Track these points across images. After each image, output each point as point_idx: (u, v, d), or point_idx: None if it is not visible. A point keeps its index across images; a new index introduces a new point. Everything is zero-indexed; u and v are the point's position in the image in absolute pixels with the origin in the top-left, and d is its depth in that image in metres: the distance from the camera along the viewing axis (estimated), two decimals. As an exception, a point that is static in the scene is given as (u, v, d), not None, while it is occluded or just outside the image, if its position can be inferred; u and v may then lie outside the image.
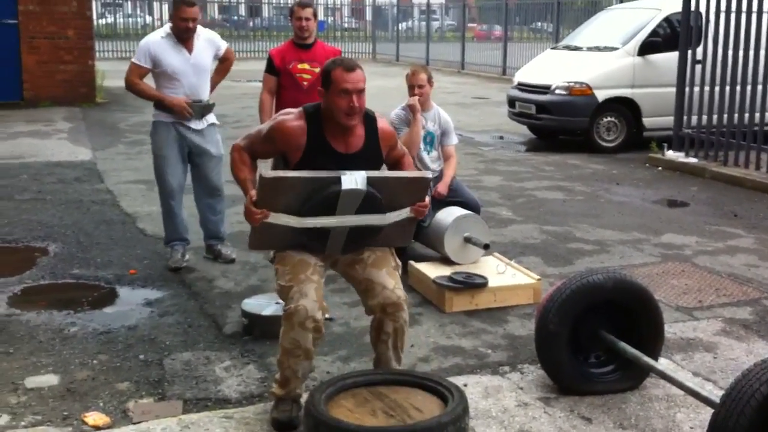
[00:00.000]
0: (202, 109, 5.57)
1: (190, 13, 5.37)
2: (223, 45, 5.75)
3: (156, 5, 32.39)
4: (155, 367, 4.08)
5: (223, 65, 5.84)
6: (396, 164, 3.69)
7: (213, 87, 5.79)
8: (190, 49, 5.50)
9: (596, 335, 3.81)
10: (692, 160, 9.58)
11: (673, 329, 4.57)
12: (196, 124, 5.59)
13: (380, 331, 3.51)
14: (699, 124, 9.66)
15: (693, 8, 9.76)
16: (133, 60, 5.58)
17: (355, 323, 4.64)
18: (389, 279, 3.46)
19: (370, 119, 3.51)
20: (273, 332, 3.88)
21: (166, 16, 31.80)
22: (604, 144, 10.80)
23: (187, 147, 5.61)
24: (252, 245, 3.53)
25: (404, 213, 3.48)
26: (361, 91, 3.36)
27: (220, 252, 5.89)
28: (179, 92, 5.49)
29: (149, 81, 5.61)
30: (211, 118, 5.69)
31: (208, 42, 5.62)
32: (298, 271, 3.38)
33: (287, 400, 3.45)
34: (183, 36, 5.45)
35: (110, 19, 33.38)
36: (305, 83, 5.71)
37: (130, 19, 33.47)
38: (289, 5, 27.13)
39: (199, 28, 5.59)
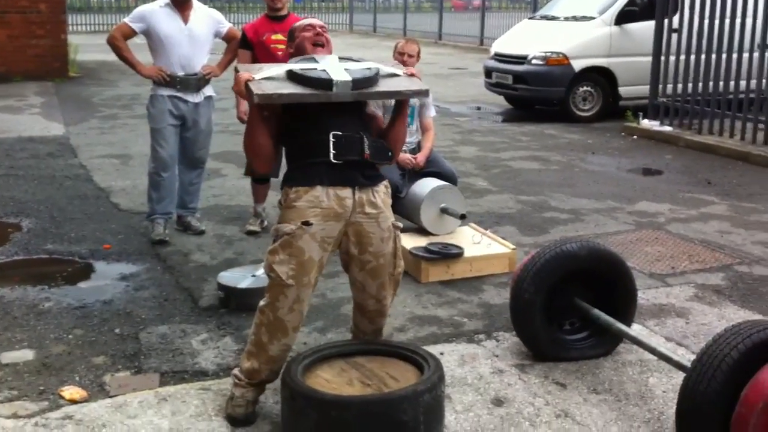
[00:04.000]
0: (198, 82, 5.57)
1: None
2: (226, 24, 5.75)
3: (129, -22, 31.91)
4: (131, 341, 4.07)
5: (230, 45, 5.81)
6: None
7: (224, 66, 5.77)
8: (185, 20, 5.50)
9: (570, 303, 3.84)
10: (667, 128, 9.63)
11: (646, 296, 4.62)
12: (192, 97, 5.60)
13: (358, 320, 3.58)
14: (674, 93, 9.70)
15: (668, -24, 9.77)
16: (124, 19, 5.67)
17: (332, 294, 4.65)
18: (381, 291, 3.40)
19: None
20: (249, 305, 3.88)
21: (139, -12, 31.44)
22: (581, 114, 10.84)
23: (181, 119, 5.60)
24: (259, 98, 3.11)
25: (397, 70, 3.43)
26: (323, 27, 3.53)
27: (190, 223, 5.90)
28: (173, 61, 5.49)
29: (147, 56, 5.64)
30: (207, 90, 5.70)
31: (207, 17, 5.62)
32: (303, 272, 3.18)
33: (248, 389, 3.29)
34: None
35: (83, -8, 32.90)
36: (280, 53, 5.68)
37: (103, -8, 32.98)
38: (264, -24, 26.38)
39: (199, 3, 5.67)
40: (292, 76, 3.20)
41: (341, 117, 3.27)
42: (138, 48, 5.56)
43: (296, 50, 3.53)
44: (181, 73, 5.52)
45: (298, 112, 3.28)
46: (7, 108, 11.55)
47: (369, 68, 3.30)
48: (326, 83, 3.14)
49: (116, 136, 9.50)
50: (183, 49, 5.50)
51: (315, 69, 3.21)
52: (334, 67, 3.25)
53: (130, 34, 5.56)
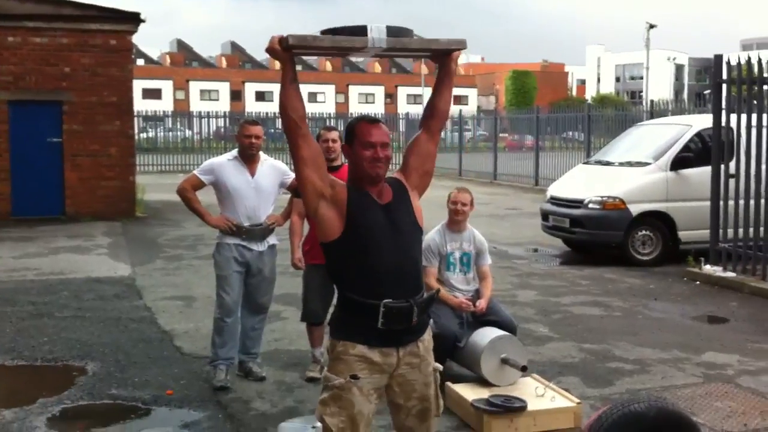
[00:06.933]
0: (263, 232, 5.75)
1: (252, 131, 5.71)
2: (291, 175, 5.93)
3: (196, 120, 33.44)
4: (191, 495, 4.05)
5: (294, 196, 5.99)
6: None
7: (287, 215, 5.96)
8: (252, 172, 5.73)
9: (640, 465, 3.72)
10: (730, 274, 9.48)
11: (719, 456, 4.45)
12: (257, 246, 5.76)
13: None
14: (735, 238, 9.61)
15: (723, 123, 9.87)
16: (194, 171, 5.91)
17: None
18: None
19: (396, 181, 3.44)
20: (310, 459, 3.83)
21: (205, 129, 32.89)
22: (640, 257, 10.76)
23: (246, 267, 5.75)
24: (293, 39, 3.07)
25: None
26: (384, 144, 3.29)
27: (251, 369, 5.94)
28: (239, 212, 5.69)
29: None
30: (271, 239, 5.86)
31: (272, 168, 5.83)
32: (353, 425, 3.21)
33: None
34: (247, 153, 5.71)
35: (151, 133, 34.46)
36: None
37: (171, 133, 34.49)
38: (324, 116, 27.99)
39: (266, 156, 5.89)
40: (327, 31, 3.15)
41: (396, 275, 3.23)
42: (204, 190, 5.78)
43: (351, 162, 3.36)
44: (246, 224, 5.70)
45: (353, 249, 3.23)
46: (76, 248, 11.96)
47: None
48: (361, 29, 3.13)
49: (180, 278, 9.72)
50: (249, 201, 5.70)
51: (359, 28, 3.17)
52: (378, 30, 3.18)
53: (199, 185, 5.80)
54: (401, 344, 3.26)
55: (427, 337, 3.38)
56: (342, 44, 3.17)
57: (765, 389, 5.69)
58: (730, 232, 9.71)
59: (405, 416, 3.38)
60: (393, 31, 3.18)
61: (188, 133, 34.80)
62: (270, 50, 3.16)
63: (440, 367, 3.46)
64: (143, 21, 15.88)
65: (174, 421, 5.11)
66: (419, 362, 3.31)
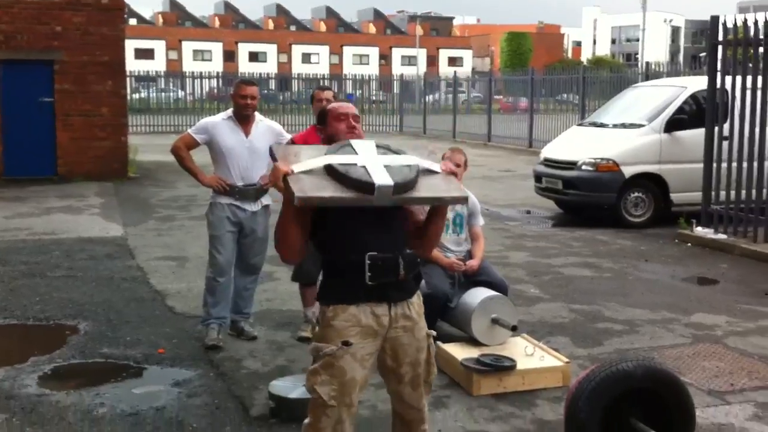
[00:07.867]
0: (256, 192, 5.74)
1: (248, 91, 5.66)
2: (286, 137, 5.91)
3: (188, 81, 33.20)
4: (182, 451, 4.08)
5: None
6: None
7: None
8: (247, 133, 5.69)
9: (627, 423, 3.76)
10: (721, 236, 9.52)
11: (705, 414, 4.50)
12: (250, 206, 5.76)
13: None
14: (727, 200, 9.63)
15: (719, 85, 9.83)
16: (188, 130, 5.89)
17: (383, 406, 4.59)
18: (420, 400, 3.38)
19: None
20: (299, 416, 3.86)
21: (198, 90, 32.66)
22: (632, 219, 10.79)
23: (239, 227, 5.75)
24: (299, 200, 3.02)
25: (434, 165, 3.28)
26: (356, 116, 3.41)
27: (243, 329, 5.97)
28: (233, 172, 5.68)
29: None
30: (265, 199, 5.85)
31: (268, 129, 5.81)
32: (345, 392, 3.16)
33: None
34: (242, 113, 5.68)
35: (144, 94, 34.21)
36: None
37: (163, 94, 34.25)
38: (317, 77, 27.67)
39: (261, 117, 5.86)
40: (332, 172, 3.09)
41: (378, 230, 3.22)
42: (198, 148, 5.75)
43: (328, 139, 3.42)
44: (240, 184, 5.69)
45: (333, 214, 3.23)
46: (67, 208, 11.93)
47: (409, 166, 3.18)
48: (368, 187, 3.05)
49: (173, 238, 9.71)
50: (243, 161, 5.67)
51: (355, 165, 3.10)
52: (373, 163, 3.13)
53: (193, 144, 5.77)
54: (392, 300, 3.22)
55: (417, 301, 3.34)
56: (347, 203, 3.10)
57: (752, 350, 5.74)
58: (723, 194, 9.73)
59: (396, 382, 3.33)
60: (399, 188, 3.09)
61: (181, 93, 34.57)
62: (275, 185, 3.16)
63: (434, 333, 3.42)
64: (135, -21, 15.73)
65: (166, 380, 5.13)
66: (412, 325, 3.28)
